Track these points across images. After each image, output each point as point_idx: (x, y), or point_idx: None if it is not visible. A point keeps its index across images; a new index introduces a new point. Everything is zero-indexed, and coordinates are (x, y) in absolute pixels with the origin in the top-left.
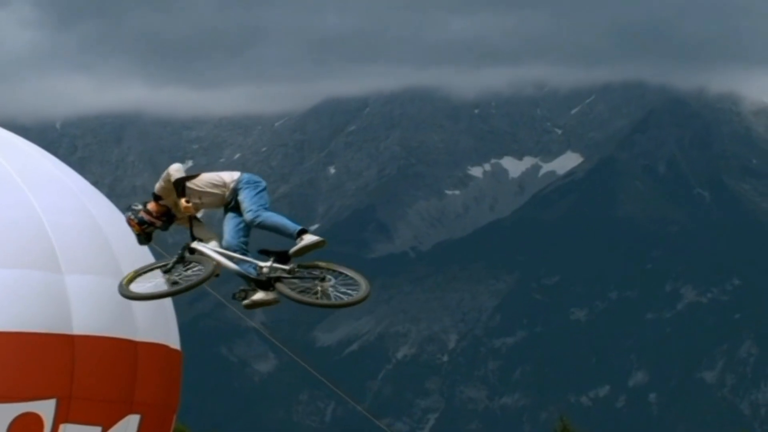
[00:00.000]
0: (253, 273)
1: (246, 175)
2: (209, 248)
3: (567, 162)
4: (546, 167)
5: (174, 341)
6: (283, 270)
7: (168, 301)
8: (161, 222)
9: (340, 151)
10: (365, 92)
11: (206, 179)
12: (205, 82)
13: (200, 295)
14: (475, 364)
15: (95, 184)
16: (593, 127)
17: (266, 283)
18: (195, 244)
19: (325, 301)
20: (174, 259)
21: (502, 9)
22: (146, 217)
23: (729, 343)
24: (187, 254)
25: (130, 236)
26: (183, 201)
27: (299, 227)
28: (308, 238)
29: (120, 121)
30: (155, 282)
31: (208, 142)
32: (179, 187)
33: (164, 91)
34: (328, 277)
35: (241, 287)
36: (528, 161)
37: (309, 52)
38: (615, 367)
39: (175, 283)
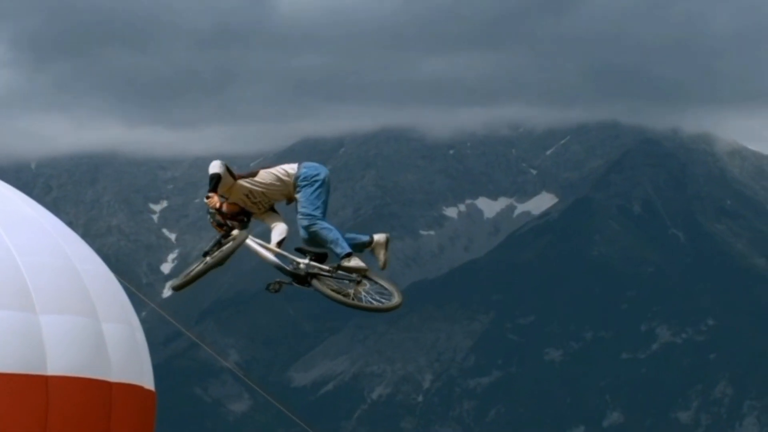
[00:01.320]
0: (289, 267)
1: (304, 169)
2: (251, 240)
3: (542, 202)
4: (521, 208)
5: (148, 382)
6: (322, 268)
7: (142, 341)
8: (239, 222)
9: None
10: (341, 132)
11: (270, 173)
12: (180, 122)
13: (174, 335)
14: (449, 405)
15: (70, 224)
16: (568, 167)
17: (303, 278)
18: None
19: (356, 303)
20: (211, 244)
21: (477, 49)
22: (223, 220)
23: (704, 384)
24: (222, 240)
25: (105, 276)
26: (210, 195)
27: (347, 251)
28: (355, 262)
29: (95, 161)
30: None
31: (183, 182)
32: (213, 182)
33: (140, 130)
34: (364, 281)
35: (277, 279)
36: (503, 202)
37: (285, 92)
38: (590, 407)
39: (208, 258)
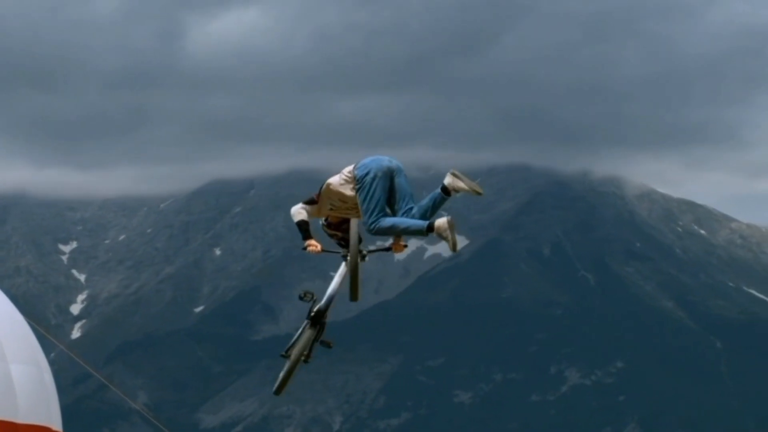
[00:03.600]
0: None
1: (356, 171)
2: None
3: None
4: (431, 250)
5: (56, 423)
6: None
7: (50, 382)
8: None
9: (225, 232)
10: (251, 174)
11: (337, 178)
12: (90, 163)
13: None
14: None
15: None
16: (478, 209)
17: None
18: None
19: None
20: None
21: (388, 92)
22: (332, 231)
23: (613, 426)
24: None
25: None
26: (306, 244)
27: (424, 225)
28: (440, 222)
29: (3, 202)
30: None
31: (92, 224)
32: (302, 230)
33: (49, 171)
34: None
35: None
36: (413, 244)
37: (195, 133)
38: None
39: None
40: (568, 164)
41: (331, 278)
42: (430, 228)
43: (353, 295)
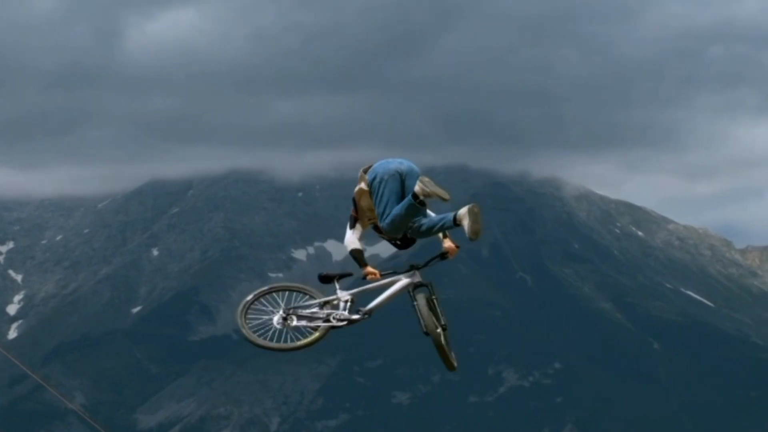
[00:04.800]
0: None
1: (368, 177)
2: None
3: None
4: (369, 250)
5: None
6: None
7: None
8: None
9: (163, 233)
10: (189, 174)
11: (358, 193)
12: (27, 163)
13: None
14: None
15: None
16: None
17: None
18: None
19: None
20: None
21: (327, 92)
22: (381, 234)
23: (550, 427)
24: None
25: None
26: (365, 272)
27: (450, 221)
28: (463, 212)
29: None
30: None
31: (30, 224)
32: (358, 260)
33: None
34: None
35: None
36: None
37: (133, 133)
38: None
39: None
40: (506, 165)
41: (269, 278)
42: (455, 220)
43: (449, 365)
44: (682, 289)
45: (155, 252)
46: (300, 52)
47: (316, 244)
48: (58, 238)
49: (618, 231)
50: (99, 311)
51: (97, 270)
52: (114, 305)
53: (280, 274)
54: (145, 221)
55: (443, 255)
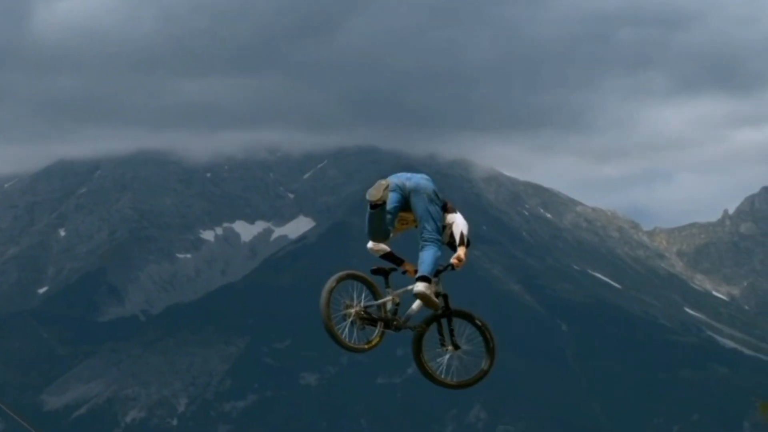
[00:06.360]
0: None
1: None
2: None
3: (299, 226)
4: (278, 231)
5: None
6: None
7: None
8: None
9: (71, 213)
10: (97, 155)
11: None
12: None
13: None
14: (205, 429)
15: None
16: (326, 191)
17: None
18: None
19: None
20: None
21: (236, 73)
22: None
23: (459, 408)
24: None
25: None
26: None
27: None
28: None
29: None
30: None
31: None
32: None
33: None
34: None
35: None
36: (260, 225)
37: (40, 113)
38: (345, 431)
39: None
40: (415, 147)
41: (177, 259)
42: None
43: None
44: (590, 271)
45: (63, 232)
46: (208, 32)
47: (225, 225)
48: None
49: (527, 213)
50: (6, 292)
51: (4, 250)
52: (21, 286)
53: (189, 255)
54: (52, 201)
55: (452, 266)
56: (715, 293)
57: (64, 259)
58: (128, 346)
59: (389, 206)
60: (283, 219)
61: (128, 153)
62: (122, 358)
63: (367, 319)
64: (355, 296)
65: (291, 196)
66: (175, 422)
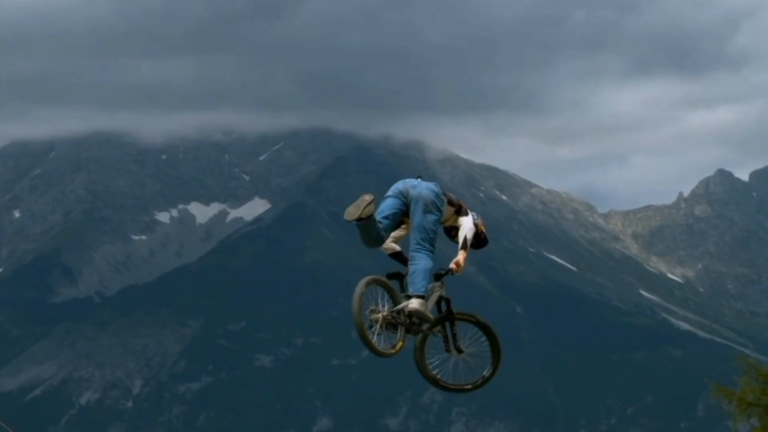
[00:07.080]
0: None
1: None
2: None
3: (254, 208)
4: (233, 213)
5: None
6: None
7: None
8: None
9: (24, 194)
10: (51, 135)
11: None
12: None
13: None
14: (159, 410)
15: None
16: (281, 173)
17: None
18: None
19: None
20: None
21: (191, 54)
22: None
23: (413, 390)
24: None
25: None
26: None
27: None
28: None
29: None
30: None
31: None
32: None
33: None
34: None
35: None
36: (215, 207)
37: None
38: (300, 412)
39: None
40: (370, 128)
41: (132, 240)
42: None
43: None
44: (545, 253)
45: (17, 213)
46: (163, 12)
47: (180, 206)
48: None
49: (482, 195)
50: None
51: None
52: None
53: (144, 237)
54: (6, 183)
55: (452, 271)
56: (669, 275)
57: (17, 241)
58: (82, 327)
59: (386, 212)
60: (238, 201)
61: (83, 134)
62: (76, 340)
63: (392, 324)
64: (378, 301)
65: (246, 177)
66: (129, 404)
